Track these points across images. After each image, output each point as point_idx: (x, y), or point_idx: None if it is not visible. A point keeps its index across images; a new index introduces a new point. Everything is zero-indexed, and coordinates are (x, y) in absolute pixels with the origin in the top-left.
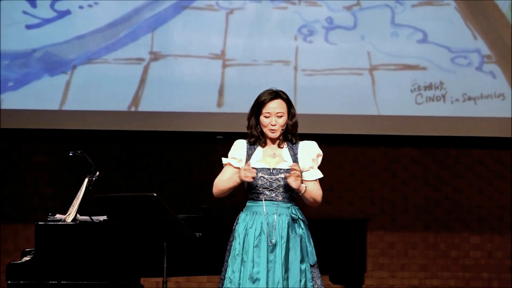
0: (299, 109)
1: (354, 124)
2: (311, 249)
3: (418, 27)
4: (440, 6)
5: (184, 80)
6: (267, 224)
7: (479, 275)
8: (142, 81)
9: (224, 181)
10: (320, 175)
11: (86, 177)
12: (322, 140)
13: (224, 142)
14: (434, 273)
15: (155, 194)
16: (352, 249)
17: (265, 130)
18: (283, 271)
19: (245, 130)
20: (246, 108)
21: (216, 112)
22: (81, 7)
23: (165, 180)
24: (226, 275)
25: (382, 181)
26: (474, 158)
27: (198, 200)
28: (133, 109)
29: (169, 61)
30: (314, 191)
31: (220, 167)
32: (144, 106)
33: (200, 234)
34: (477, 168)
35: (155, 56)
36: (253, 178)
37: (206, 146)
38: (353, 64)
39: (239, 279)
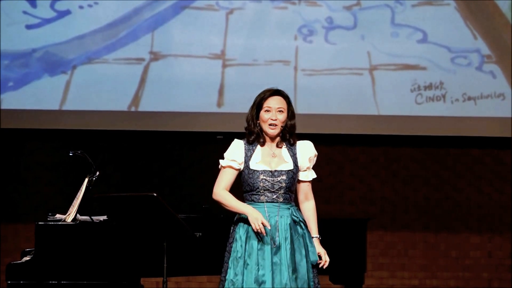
0: (299, 109)
1: (354, 124)
2: (312, 248)
3: (418, 27)
4: (440, 6)
5: (184, 80)
6: (270, 226)
7: (479, 275)
8: (142, 81)
9: (232, 202)
10: (314, 175)
11: (86, 177)
12: (322, 140)
13: (224, 142)
14: (434, 273)
15: (155, 194)
16: (352, 249)
17: (265, 126)
18: (291, 272)
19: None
20: (246, 108)
21: (216, 112)
22: (81, 7)
23: (165, 180)
24: (227, 277)
25: (382, 180)
26: (474, 158)
27: (198, 200)
28: (133, 109)
29: (169, 61)
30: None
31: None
32: (144, 106)
33: (200, 234)
34: (477, 168)
35: (155, 56)
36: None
37: (206, 146)
38: (353, 64)
39: (242, 282)
